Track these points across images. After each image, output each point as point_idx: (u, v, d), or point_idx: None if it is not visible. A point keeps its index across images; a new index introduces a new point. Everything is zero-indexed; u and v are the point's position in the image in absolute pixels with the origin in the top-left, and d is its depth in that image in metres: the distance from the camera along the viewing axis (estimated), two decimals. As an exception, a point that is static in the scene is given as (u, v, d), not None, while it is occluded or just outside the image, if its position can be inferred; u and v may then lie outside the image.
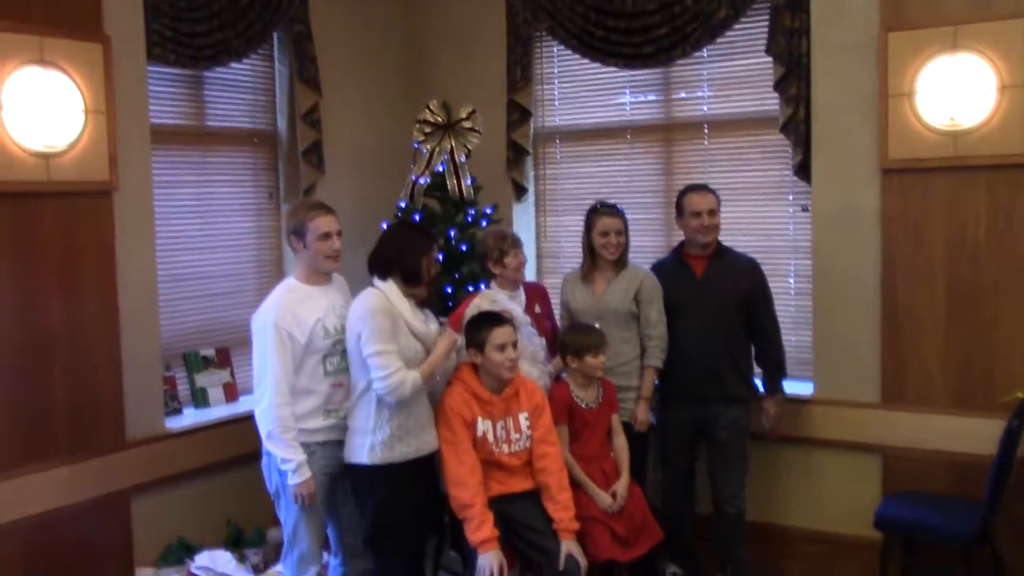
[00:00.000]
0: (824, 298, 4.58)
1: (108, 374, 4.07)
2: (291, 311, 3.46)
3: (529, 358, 3.96)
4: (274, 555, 4.34)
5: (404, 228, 4.03)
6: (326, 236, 3.53)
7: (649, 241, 5.11)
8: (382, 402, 3.47)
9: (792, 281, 4.86)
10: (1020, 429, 3.95)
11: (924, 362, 4.33)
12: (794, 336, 4.82)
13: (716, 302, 4.26)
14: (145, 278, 4.25)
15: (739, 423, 4.29)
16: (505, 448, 3.66)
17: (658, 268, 4.40)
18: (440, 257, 3.70)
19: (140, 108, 4.21)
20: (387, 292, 3.54)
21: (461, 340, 3.74)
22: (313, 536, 3.54)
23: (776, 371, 4.37)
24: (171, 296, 4.57)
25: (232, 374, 4.80)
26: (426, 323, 3.63)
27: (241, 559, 4.22)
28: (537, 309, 4.30)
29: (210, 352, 4.74)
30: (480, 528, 3.48)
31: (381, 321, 3.45)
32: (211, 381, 4.71)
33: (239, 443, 4.51)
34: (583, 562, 3.57)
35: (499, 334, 3.61)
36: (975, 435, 4.15)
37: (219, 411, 4.64)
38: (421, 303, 3.64)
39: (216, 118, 4.81)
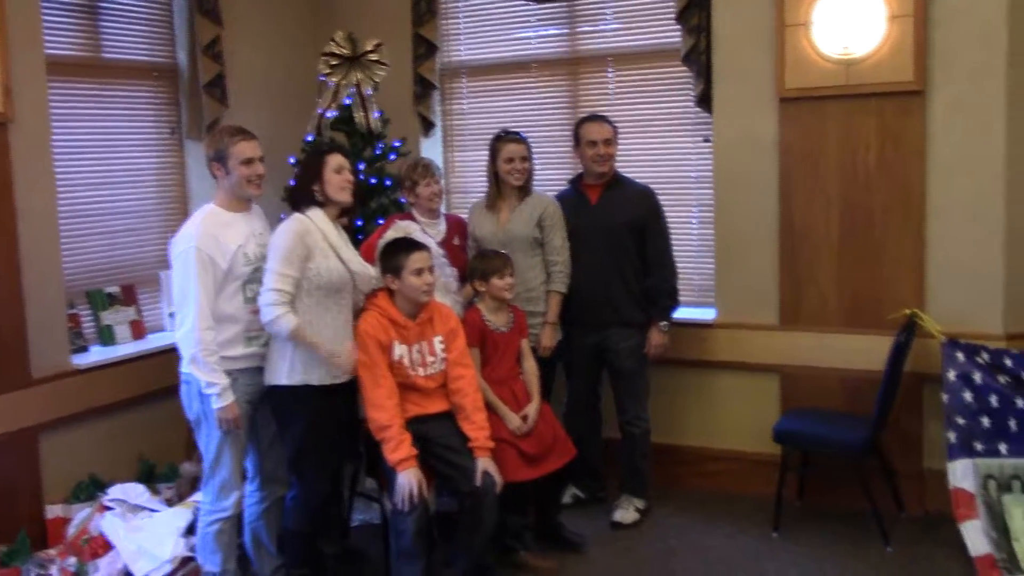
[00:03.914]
0: (725, 226, 4.74)
1: (10, 310, 3.97)
2: (213, 235, 3.44)
3: (441, 288, 4.00)
4: (188, 489, 4.32)
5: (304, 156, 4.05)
6: (249, 162, 3.51)
7: (555, 174, 5.18)
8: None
9: (695, 211, 5.01)
10: (907, 344, 4.19)
11: (819, 285, 4.54)
12: (698, 265, 4.98)
13: (609, 228, 4.36)
14: (45, 212, 4.13)
15: (638, 348, 4.43)
16: (421, 371, 3.72)
17: (558, 199, 4.47)
18: (341, 163, 3.65)
19: (34, 36, 4.07)
20: (311, 217, 3.57)
21: (376, 270, 3.77)
22: (234, 463, 3.54)
23: (663, 299, 4.41)
24: (73, 233, 4.46)
25: (139, 311, 4.72)
26: (349, 246, 3.66)
27: (154, 493, 4.19)
28: (455, 241, 4.35)
29: (115, 289, 4.65)
30: (398, 448, 3.54)
31: (293, 244, 3.46)
32: (117, 319, 4.62)
33: (148, 380, 4.49)
34: (499, 479, 3.67)
35: (416, 259, 3.65)
36: (866, 352, 4.38)
37: (126, 348, 4.56)
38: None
39: (113, 50, 4.67)
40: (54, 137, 4.21)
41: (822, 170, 4.47)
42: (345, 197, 3.61)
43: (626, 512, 4.48)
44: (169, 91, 4.96)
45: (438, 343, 3.76)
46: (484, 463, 3.66)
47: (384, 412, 3.57)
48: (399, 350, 3.67)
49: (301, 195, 3.62)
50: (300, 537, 3.66)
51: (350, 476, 4.16)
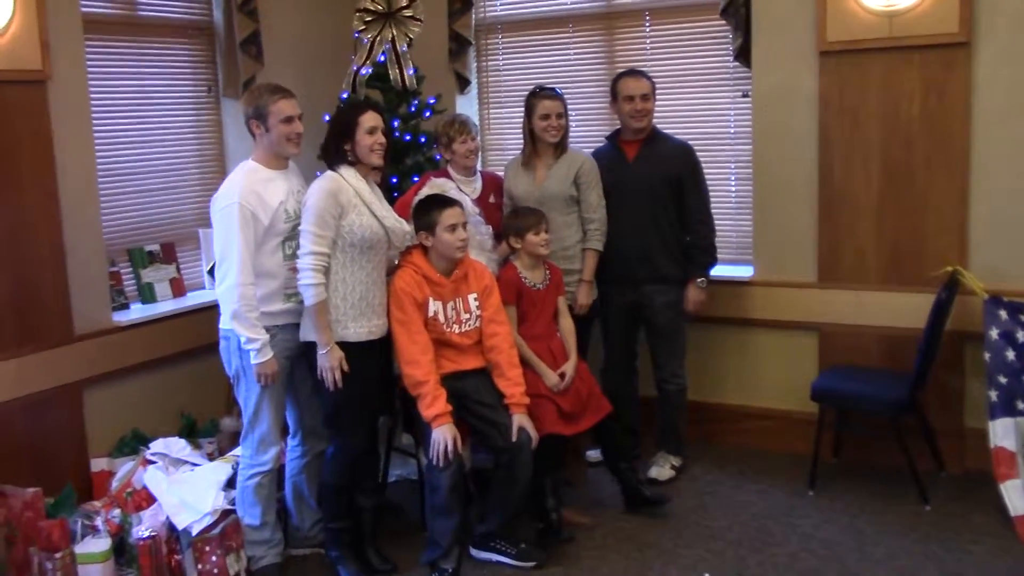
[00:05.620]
0: (764, 182, 4.67)
1: (52, 267, 4.03)
2: (255, 192, 3.47)
3: (477, 247, 4.00)
4: (228, 444, 4.39)
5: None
6: (289, 120, 3.53)
7: (592, 131, 5.14)
8: (333, 280, 3.51)
9: (733, 167, 4.94)
10: (949, 301, 4.13)
11: (859, 241, 4.47)
12: (735, 222, 4.93)
13: (647, 184, 4.32)
14: (85, 170, 4.17)
15: (675, 305, 4.40)
16: (456, 328, 3.73)
17: (595, 155, 4.43)
18: (374, 123, 3.63)
19: (70, -7, 4.09)
20: (343, 174, 3.57)
21: (410, 226, 3.77)
22: (273, 417, 3.59)
23: (700, 255, 4.38)
24: (112, 191, 4.51)
25: (178, 269, 4.77)
26: (383, 202, 3.66)
27: (196, 447, 4.26)
28: (491, 199, 4.34)
29: (155, 247, 4.71)
30: (433, 404, 3.56)
31: (326, 203, 3.47)
32: (157, 276, 4.67)
33: (189, 337, 4.55)
34: (534, 435, 3.68)
35: (449, 215, 3.65)
36: (906, 310, 4.33)
37: (167, 306, 4.62)
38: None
39: (149, 7, 4.68)
40: (91, 95, 4.24)
41: (863, 124, 4.38)
42: (376, 160, 3.60)
43: (662, 469, 4.49)
44: (205, 49, 4.97)
45: (473, 300, 3.76)
46: (519, 419, 3.67)
47: (419, 368, 3.59)
48: (434, 306, 3.68)
49: (333, 153, 3.62)
50: (338, 491, 3.70)
51: (387, 432, 4.20)
